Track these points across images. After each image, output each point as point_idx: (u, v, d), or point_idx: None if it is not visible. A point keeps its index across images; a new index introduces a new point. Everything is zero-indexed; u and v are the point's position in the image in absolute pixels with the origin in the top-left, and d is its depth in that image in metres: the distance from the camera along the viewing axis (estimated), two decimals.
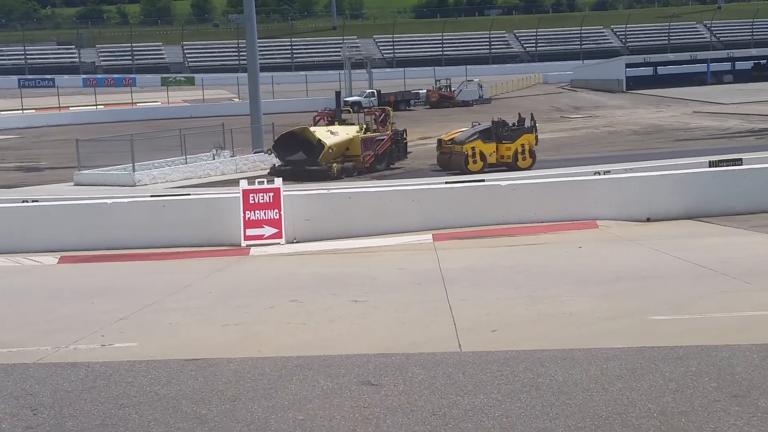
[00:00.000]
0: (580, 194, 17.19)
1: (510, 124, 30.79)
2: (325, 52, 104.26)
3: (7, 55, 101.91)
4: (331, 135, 30.99)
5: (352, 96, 61.68)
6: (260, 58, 39.21)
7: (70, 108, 69.07)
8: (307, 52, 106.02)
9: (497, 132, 30.06)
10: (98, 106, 69.96)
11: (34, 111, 67.14)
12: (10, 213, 17.63)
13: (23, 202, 20.39)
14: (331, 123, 33.35)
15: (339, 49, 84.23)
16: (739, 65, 78.92)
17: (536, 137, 30.69)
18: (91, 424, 6.40)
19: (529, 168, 29.14)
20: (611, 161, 26.36)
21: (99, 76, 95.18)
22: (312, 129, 31.49)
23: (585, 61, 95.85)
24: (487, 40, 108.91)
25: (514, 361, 7.51)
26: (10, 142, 51.26)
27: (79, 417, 6.56)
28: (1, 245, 16.45)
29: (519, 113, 32.60)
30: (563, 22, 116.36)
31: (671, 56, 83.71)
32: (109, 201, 17.87)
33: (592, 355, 7.57)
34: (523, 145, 29.90)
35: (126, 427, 6.30)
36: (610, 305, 9.66)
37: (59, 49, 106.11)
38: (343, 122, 33.65)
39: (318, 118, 34.78)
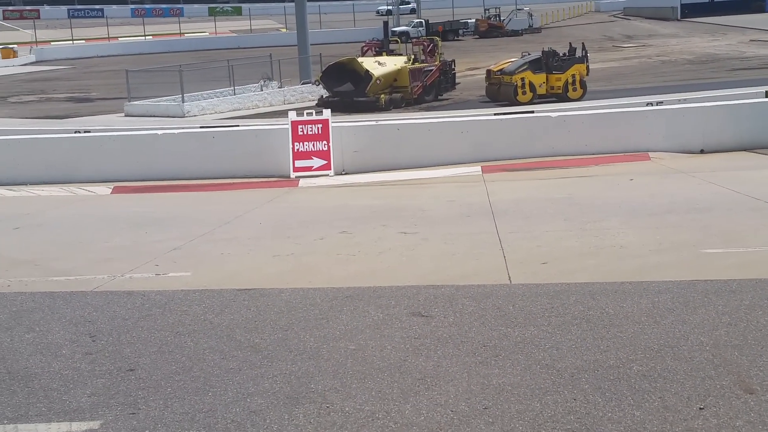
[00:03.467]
0: (632, 125, 16.91)
1: (560, 54, 30.24)
2: None
3: None
4: (378, 66, 30.73)
5: (399, 26, 60.98)
6: None
7: (119, 38, 69.37)
8: None
9: (547, 62, 29.55)
10: (147, 37, 70.15)
11: (83, 41, 67.57)
12: (64, 143, 17.86)
13: (75, 132, 20.62)
14: (378, 54, 33.05)
15: None
16: None
17: (587, 67, 30.13)
18: (149, 351, 6.56)
19: (579, 99, 28.68)
20: (664, 92, 25.84)
21: (147, 6, 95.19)
22: (360, 60, 31.25)
23: None
24: None
25: (564, 293, 7.51)
26: (61, 72, 51.72)
27: (136, 344, 6.72)
28: (56, 175, 16.71)
29: (570, 43, 31.98)
30: None
31: None
32: (159, 132, 18.01)
33: (644, 288, 7.53)
34: (573, 76, 29.38)
35: (182, 354, 6.45)
36: (661, 238, 9.57)
37: None
38: (390, 53, 33.32)
39: (366, 48, 34.47)
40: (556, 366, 5.86)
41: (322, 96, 31.09)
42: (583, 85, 29.49)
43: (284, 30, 70.53)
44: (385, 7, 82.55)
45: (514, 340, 6.41)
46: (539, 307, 7.14)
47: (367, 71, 29.92)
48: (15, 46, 60.42)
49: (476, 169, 15.89)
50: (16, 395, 5.80)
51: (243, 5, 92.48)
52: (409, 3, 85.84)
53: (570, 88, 29.25)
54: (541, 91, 29.24)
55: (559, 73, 29.38)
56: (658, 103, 20.46)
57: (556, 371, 5.77)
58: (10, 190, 16.03)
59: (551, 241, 9.69)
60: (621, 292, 7.46)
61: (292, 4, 39.69)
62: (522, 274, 8.32)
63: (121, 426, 5.26)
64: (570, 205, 11.92)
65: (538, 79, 29.26)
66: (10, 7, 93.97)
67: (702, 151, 16.53)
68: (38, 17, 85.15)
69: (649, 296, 7.29)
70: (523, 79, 29.04)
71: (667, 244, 9.25)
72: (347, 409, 5.38)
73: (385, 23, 38.90)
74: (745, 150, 16.43)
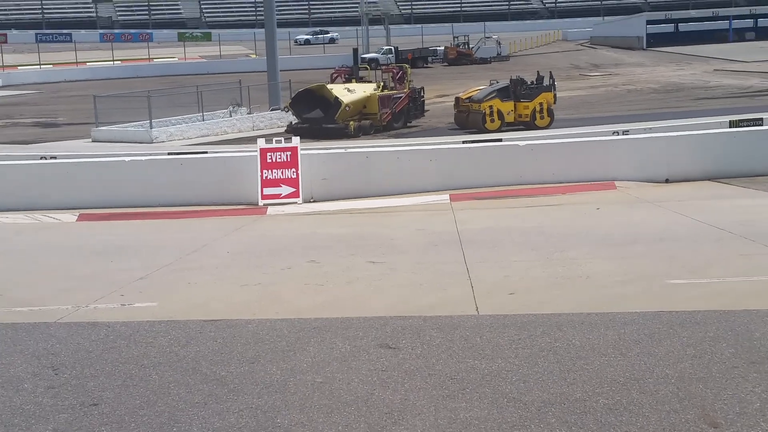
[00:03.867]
0: (599, 154, 17.07)
1: (528, 82, 30.54)
2: (343, 7, 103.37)
3: (25, 9, 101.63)
4: (348, 93, 30.82)
5: (369, 53, 61.25)
6: (277, 14, 38.99)
7: (88, 63, 68.97)
8: (324, 8, 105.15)
9: (515, 90, 29.81)
10: (115, 62, 69.83)
11: (51, 66, 67.15)
12: (29, 170, 17.72)
13: (41, 158, 20.45)
14: (348, 80, 33.16)
15: (356, 5, 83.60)
16: (762, 22, 77.60)
17: (555, 96, 30.44)
18: (113, 384, 6.47)
19: (547, 127, 28.94)
20: (630, 120, 26.18)
21: (116, 31, 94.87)
22: (329, 86, 31.33)
23: (605, 18, 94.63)
24: None
25: (531, 324, 7.52)
26: (27, 97, 51.33)
27: (100, 377, 6.63)
28: (21, 202, 16.54)
29: (537, 71, 32.32)
30: None
31: (693, 13, 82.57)
32: (127, 159, 17.92)
33: (610, 320, 7.57)
34: (541, 104, 29.66)
35: (147, 388, 6.37)
36: (627, 268, 9.64)
37: (76, 3, 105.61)
38: (360, 80, 33.45)
39: (335, 75, 34.57)
40: (523, 399, 5.86)
41: (291, 122, 31.10)
42: (550, 113, 29.77)
43: (254, 56, 70.55)
44: (304, 37, 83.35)
45: (481, 372, 6.41)
46: (506, 339, 7.15)
47: (337, 98, 29.99)
48: None
49: (445, 197, 15.95)
50: None
51: (213, 31, 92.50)
52: (327, 33, 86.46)
53: (538, 116, 29.52)
54: (509, 118, 29.46)
55: (527, 101, 29.64)
56: (624, 132, 20.69)
57: (523, 405, 5.77)
58: None
59: (519, 271, 9.73)
60: (587, 323, 7.50)
61: (262, 30, 39.79)
62: (489, 304, 8.33)
63: None
64: (537, 234, 11.99)
65: (507, 107, 29.49)
66: None
67: (667, 181, 16.72)
68: (5, 41, 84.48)
69: (615, 327, 7.32)
70: (491, 106, 29.26)
71: (632, 275, 9.31)
72: None
73: (355, 50, 39.07)
74: (710, 179, 16.64)
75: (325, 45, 79.63)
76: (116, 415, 5.89)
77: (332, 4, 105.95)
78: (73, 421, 5.81)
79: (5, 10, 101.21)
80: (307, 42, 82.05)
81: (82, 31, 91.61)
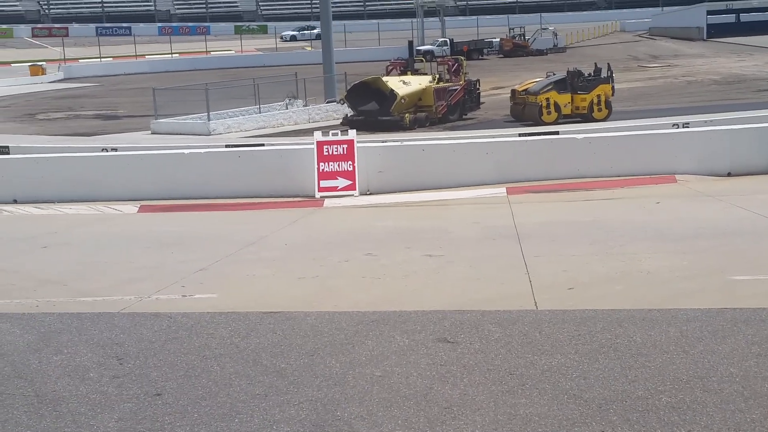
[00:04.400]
0: (658, 147, 16.82)
1: (586, 74, 30.18)
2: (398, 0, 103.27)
3: (85, 3, 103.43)
4: (403, 85, 30.79)
5: (424, 45, 61.12)
6: (333, 7, 39.06)
7: (147, 56, 69.97)
8: (379, 1, 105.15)
9: (572, 82, 29.48)
10: (173, 55, 70.72)
11: (111, 59, 68.23)
12: (91, 162, 18.03)
13: (102, 150, 20.81)
14: (403, 73, 33.11)
15: None
16: None
17: (612, 87, 30.02)
18: (175, 375, 6.58)
19: (604, 119, 28.58)
20: (690, 113, 25.70)
21: (174, 24, 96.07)
22: (384, 79, 31.33)
23: (664, 8, 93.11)
24: None
25: (591, 320, 7.46)
26: (88, 89, 52.23)
27: (163, 367, 6.74)
28: (83, 193, 16.84)
29: (595, 63, 31.92)
30: None
31: (755, 2, 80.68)
32: (186, 151, 18.13)
33: (672, 316, 7.47)
34: (598, 96, 29.29)
35: (209, 378, 6.46)
36: (689, 263, 9.50)
37: None
38: (415, 72, 33.38)
39: (390, 67, 34.54)
40: (583, 396, 5.82)
41: (346, 115, 31.17)
42: (608, 105, 29.39)
43: (309, 48, 70.89)
44: (290, 33, 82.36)
45: (540, 368, 6.38)
46: (566, 335, 7.10)
47: (392, 90, 29.99)
48: (44, 63, 61.13)
49: (501, 190, 15.86)
50: (44, 419, 5.83)
51: (269, 24, 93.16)
52: (314, 28, 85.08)
53: (595, 108, 29.16)
54: (566, 111, 29.15)
55: (584, 93, 29.29)
56: (685, 125, 20.37)
57: (583, 401, 5.73)
58: (38, 208, 16.17)
59: (577, 265, 9.65)
60: (649, 319, 7.41)
61: (318, 23, 39.91)
62: (548, 299, 8.28)
63: None
64: (596, 228, 11.86)
65: (563, 99, 29.19)
66: (39, 25, 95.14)
67: (729, 174, 16.41)
68: (67, 35, 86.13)
69: (677, 324, 7.23)
70: (548, 99, 28.98)
71: (694, 271, 9.18)
72: None
73: (410, 42, 39.03)
74: None
75: (312, 41, 77.55)
76: (179, 405, 5.98)
77: None
78: (137, 410, 5.92)
79: (67, 4, 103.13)
80: (293, 38, 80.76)
81: (141, 25, 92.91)
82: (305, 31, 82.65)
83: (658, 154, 16.63)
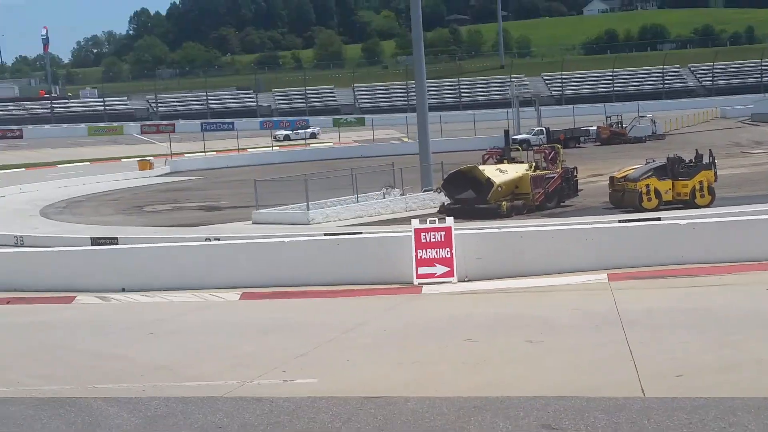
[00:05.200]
0: (766, 232, 16.34)
1: (686, 161, 29.73)
2: (493, 90, 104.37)
3: (191, 100, 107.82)
4: (500, 173, 30.87)
5: (520, 134, 61.33)
6: (428, 98, 39.70)
7: (248, 150, 72.08)
8: (474, 91, 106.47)
9: (673, 169, 29.05)
10: (274, 148, 72.64)
11: (215, 153, 70.47)
12: (195, 251, 18.52)
13: (206, 240, 21.39)
14: (500, 161, 33.24)
15: (506, 88, 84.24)
16: None
17: (715, 174, 29.46)
18: None
19: (708, 206, 27.98)
20: None
21: (275, 119, 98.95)
22: (481, 168, 31.49)
23: (766, 94, 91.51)
24: (660, 74, 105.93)
25: (702, 408, 7.20)
26: (192, 182, 53.96)
27: None
28: (187, 282, 17.26)
29: (696, 149, 31.45)
30: (742, 54, 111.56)
31: None
32: (286, 240, 18.47)
33: None
34: (701, 182, 28.76)
35: None
36: None
37: (238, 94, 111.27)
38: (512, 160, 33.46)
39: (487, 156, 34.72)
40: None
41: (443, 203, 31.33)
42: (711, 191, 28.80)
43: (406, 139, 71.85)
44: (283, 133, 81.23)
45: None
46: (676, 423, 6.87)
47: (489, 179, 30.08)
48: (151, 158, 63.54)
49: (602, 276, 15.58)
50: None
51: (366, 116, 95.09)
52: (308, 128, 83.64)
53: (698, 194, 28.60)
54: (667, 197, 28.67)
55: (685, 180, 28.80)
56: None
57: None
58: (145, 296, 16.62)
59: (685, 353, 9.36)
60: (764, 408, 7.11)
61: (414, 114, 40.59)
62: (656, 387, 8.03)
63: None
64: (703, 315, 11.52)
65: (664, 185, 28.74)
66: (148, 122, 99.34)
67: None
68: (173, 131, 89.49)
69: None
70: (648, 185, 28.58)
71: None
72: None
73: (506, 131, 39.28)
74: None
75: (307, 140, 77.07)
76: None
77: (482, 87, 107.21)
78: None
79: (174, 101, 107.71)
80: (287, 138, 79.62)
81: (244, 119, 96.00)
82: (299, 131, 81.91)
83: (765, 240, 16.14)
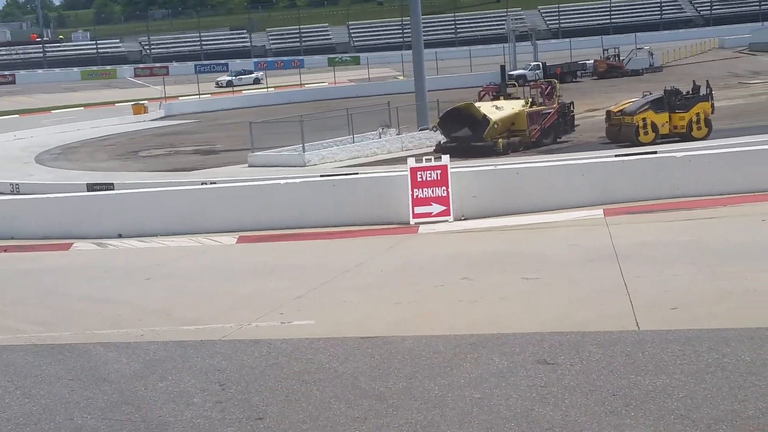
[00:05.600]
0: (762, 164, 16.29)
1: (683, 93, 29.54)
2: (489, 25, 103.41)
3: (184, 42, 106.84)
4: (496, 110, 30.69)
5: (517, 69, 60.87)
6: (424, 35, 39.26)
7: (243, 91, 71.61)
8: (470, 27, 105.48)
9: (670, 101, 28.87)
10: (269, 89, 72.19)
11: (209, 95, 70.03)
12: (191, 195, 18.48)
13: (202, 184, 21.34)
14: (496, 98, 33.02)
15: (503, 22, 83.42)
16: None
17: (712, 105, 29.29)
18: (276, 399, 6.66)
19: (704, 138, 27.88)
20: None
21: (269, 59, 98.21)
22: (477, 104, 31.30)
23: (765, 23, 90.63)
24: (658, 4, 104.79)
25: (696, 340, 7.25)
26: (188, 126, 53.71)
27: (264, 393, 6.84)
28: (184, 226, 17.25)
29: (693, 81, 31.23)
30: None
31: None
32: (282, 182, 18.43)
33: None
34: (698, 114, 28.60)
35: (309, 403, 6.52)
36: None
37: (232, 34, 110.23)
38: (508, 96, 33.25)
39: (483, 93, 34.50)
40: (691, 416, 5.66)
41: (439, 142, 31.22)
42: (708, 123, 28.67)
43: (401, 78, 71.39)
44: (225, 79, 78.91)
45: (645, 389, 6.22)
46: (670, 355, 6.92)
47: (485, 116, 29.92)
48: (146, 102, 63.16)
49: (598, 212, 15.59)
50: None
51: (361, 55, 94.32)
52: (251, 73, 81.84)
53: (694, 127, 28.48)
54: (664, 130, 28.55)
55: (682, 112, 28.65)
56: None
57: (691, 422, 5.57)
58: (142, 241, 16.65)
59: (679, 285, 9.40)
60: (758, 338, 7.16)
61: (409, 51, 40.24)
62: (650, 319, 8.08)
63: None
64: (698, 247, 11.55)
65: (661, 118, 28.60)
66: (141, 65, 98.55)
67: None
68: (167, 74, 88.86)
69: None
70: (644, 119, 28.45)
71: None
72: None
73: (502, 67, 39.06)
74: None
75: (249, 86, 75.25)
76: (280, 428, 6.05)
77: (478, 22, 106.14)
78: None
79: (167, 43, 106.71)
80: (229, 83, 77.44)
81: (237, 61, 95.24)
82: (242, 76, 79.97)
83: (762, 171, 16.10)
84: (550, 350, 7.34)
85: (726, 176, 16.09)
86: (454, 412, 6.09)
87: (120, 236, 17.14)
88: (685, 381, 6.30)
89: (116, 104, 68.26)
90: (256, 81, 79.25)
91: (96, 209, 18.08)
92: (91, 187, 25.45)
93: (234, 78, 79.41)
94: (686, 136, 28.07)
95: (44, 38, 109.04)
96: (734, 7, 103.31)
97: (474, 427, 5.80)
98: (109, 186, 25.28)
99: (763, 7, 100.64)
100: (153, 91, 74.64)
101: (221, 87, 76.58)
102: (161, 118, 58.93)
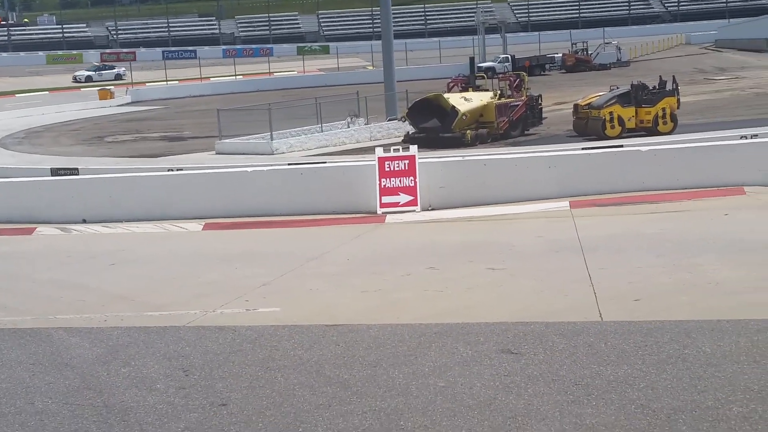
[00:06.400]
0: (726, 159, 16.48)
1: (650, 88, 29.78)
2: (459, 17, 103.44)
3: (152, 27, 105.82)
4: (464, 102, 30.73)
5: (486, 62, 61.01)
6: (394, 25, 39.21)
7: (211, 78, 71.10)
8: (440, 18, 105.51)
9: (636, 96, 29.09)
10: (237, 77, 71.76)
11: (177, 82, 69.45)
12: (157, 181, 18.34)
13: (169, 170, 21.18)
14: (465, 89, 33.07)
15: (473, 14, 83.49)
16: None
17: (678, 100, 29.55)
18: (240, 386, 6.64)
19: (670, 133, 28.11)
20: (759, 125, 25.14)
21: (238, 46, 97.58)
22: (446, 96, 31.33)
23: (731, 20, 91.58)
24: (626, 0, 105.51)
25: (658, 331, 7.33)
26: (155, 112, 53.24)
27: (228, 379, 6.81)
28: (149, 212, 17.13)
29: (660, 76, 31.48)
30: None
31: None
32: (249, 169, 18.34)
33: (742, 327, 7.30)
34: (664, 109, 28.85)
35: (273, 389, 6.51)
36: (758, 275, 9.29)
37: (200, 20, 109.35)
38: (477, 88, 33.31)
39: (452, 84, 34.54)
40: (651, 406, 5.72)
41: (408, 132, 31.21)
42: (673, 118, 28.94)
43: (371, 67, 71.29)
44: (85, 74, 76.23)
45: (606, 378, 6.28)
46: (632, 345, 6.99)
47: (453, 107, 29.95)
48: (112, 87, 62.52)
49: (564, 204, 15.70)
50: (112, 428, 5.94)
51: (330, 44, 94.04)
52: (113, 68, 78.32)
53: (660, 121, 28.73)
54: (630, 125, 28.78)
55: (648, 107, 28.88)
56: (753, 136, 19.95)
57: (651, 411, 5.63)
58: (107, 227, 16.49)
59: (643, 277, 9.50)
60: (718, 330, 7.25)
61: (379, 42, 40.19)
62: (613, 311, 8.16)
63: None
64: (662, 240, 11.66)
65: (627, 113, 28.82)
66: (108, 50, 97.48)
67: None
68: (134, 59, 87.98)
69: (747, 335, 7.06)
70: (611, 113, 28.64)
71: (764, 282, 8.97)
72: None
73: (471, 59, 38.98)
74: None
75: (111, 81, 71.91)
76: (244, 415, 6.03)
77: (448, 14, 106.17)
78: (203, 420, 5.99)
79: (134, 29, 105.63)
80: (89, 79, 74.78)
81: (206, 48, 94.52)
82: (102, 72, 77.10)
83: (725, 166, 16.29)
84: (514, 340, 7.38)
85: (691, 171, 16.26)
86: (418, 400, 6.10)
87: (84, 221, 16.97)
88: (646, 371, 6.37)
89: (82, 89, 67.53)
90: (118, 77, 75.34)
91: (60, 194, 17.88)
92: (55, 171, 25.12)
93: (94, 73, 76.35)
94: (652, 131, 28.31)
95: (9, 21, 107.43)
96: (701, 4, 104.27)
97: (437, 414, 5.82)
98: (74, 171, 24.98)
99: (729, 5, 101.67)
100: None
101: (79, 82, 73.92)
102: (127, 104, 58.38)
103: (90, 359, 7.55)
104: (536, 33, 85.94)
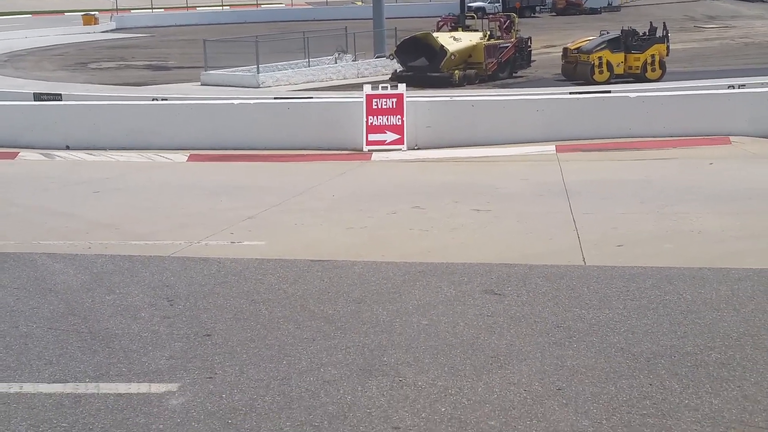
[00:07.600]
0: (712, 108, 16.49)
1: (640, 34, 29.64)
2: None
3: None
4: (453, 41, 30.50)
5: (476, 1, 60.40)
6: None
7: (197, 8, 70.12)
8: None
9: (626, 41, 28.98)
10: (224, 7, 70.79)
11: (162, 10, 68.47)
12: (142, 110, 18.16)
13: (153, 100, 20.95)
14: (454, 29, 32.80)
15: None
16: None
17: (667, 48, 29.47)
18: (224, 317, 6.67)
19: (658, 80, 28.10)
20: (747, 74, 25.13)
21: None
22: (435, 35, 31.06)
23: None
24: None
25: (640, 277, 7.40)
26: (140, 40, 52.56)
27: (212, 310, 6.84)
28: (134, 141, 17.01)
29: (650, 22, 31.31)
30: None
31: None
32: (236, 102, 18.19)
33: (723, 275, 7.39)
34: (653, 56, 28.79)
35: (257, 322, 6.54)
36: (741, 224, 9.37)
37: None
38: (466, 28, 33.03)
39: (441, 23, 34.23)
40: (631, 350, 5.80)
41: (395, 70, 31.00)
42: (662, 65, 28.88)
43: (360, 3, 70.48)
44: None
45: (588, 322, 6.36)
46: (614, 290, 7.06)
47: (442, 46, 29.73)
48: (96, 13, 61.56)
49: (550, 148, 15.70)
50: (97, 355, 5.96)
51: None
52: None
53: (649, 68, 28.68)
54: (619, 70, 28.72)
55: (638, 53, 28.81)
56: (741, 86, 19.94)
57: (631, 355, 5.71)
58: (90, 154, 16.39)
59: (627, 223, 9.56)
60: (699, 277, 7.33)
61: None
62: (597, 255, 8.22)
63: (199, 390, 5.37)
64: (647, 187, 11.72)
65: (616, 58, 28.73)
66: None
67: None
68: None
69: (728, 283, 7.14)
70: (600, 58, 28.55)
71: (747, 231, 9.05)
72: (420, 383, 5.40)
73: None
74: None
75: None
76: (228, 345, 6.07)
77: None
78: (187, 349, 6.03)
79: None
80: None
81: None
82: None
83: (712, 115, 16.31)
84: (497, 281, 7.44)
85: (677, 119, 16.26)
86: (402, 337, 6.16)
87: (68, 148, 16.85)
88: (627, 316, 6.45)
89: (65, 13, 66.45)
90: None
91: (43, 119, 17.69)
92: (38, 96, 24.83)
93: None
94: (640, 77, 28.27)
95: None
96: None
97: (420, 352, 5.88)
98: (57, 96, 24.69)
99: None
100: (104, 3, 72.64)
101: None
102: (112, 30, 57.61)
103: (74, 285, 7.55)
104: None
